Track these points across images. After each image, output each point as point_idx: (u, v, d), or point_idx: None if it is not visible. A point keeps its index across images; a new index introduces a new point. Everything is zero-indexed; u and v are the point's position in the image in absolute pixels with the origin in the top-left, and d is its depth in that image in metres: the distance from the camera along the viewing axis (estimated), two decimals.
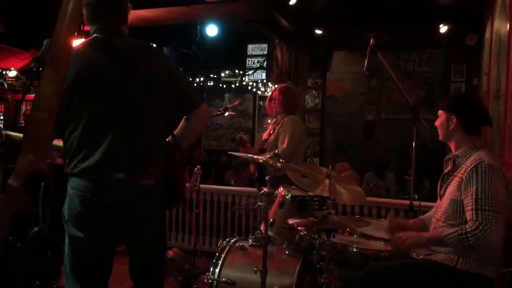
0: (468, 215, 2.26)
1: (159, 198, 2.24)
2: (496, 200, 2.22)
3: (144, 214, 2.19)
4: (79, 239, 2.17)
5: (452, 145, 2.55)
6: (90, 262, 2.21)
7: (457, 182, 2.38)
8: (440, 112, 2.58)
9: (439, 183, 2.60)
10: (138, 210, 2.17)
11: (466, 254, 2.30)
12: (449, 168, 2.53)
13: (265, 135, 4.13)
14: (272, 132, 4.01)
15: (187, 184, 3.91)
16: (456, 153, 2.49)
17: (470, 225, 2.22)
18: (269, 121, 9.31)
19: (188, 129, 2.32)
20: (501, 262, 2.37)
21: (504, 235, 2.25)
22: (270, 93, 4.21)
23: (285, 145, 3.78)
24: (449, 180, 2.49)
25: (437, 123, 2.57)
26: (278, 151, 3.79)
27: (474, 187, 2.26)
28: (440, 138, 2.60)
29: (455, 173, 2.44)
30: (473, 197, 2.25)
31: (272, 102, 4.07)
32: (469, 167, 2.33)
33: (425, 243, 2.43)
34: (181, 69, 2.31)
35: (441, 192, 2.55)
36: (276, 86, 4.31)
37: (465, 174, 2.33)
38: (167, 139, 2.32)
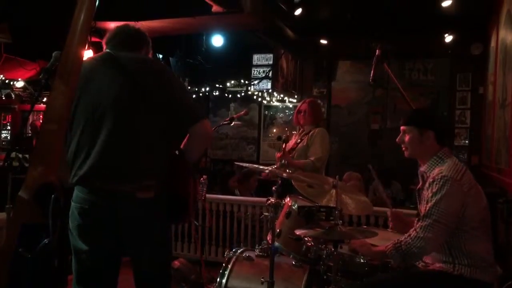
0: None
1: (160, 211, 2.23)
2: (444, 211, 2.30)
3: (144, 227, 2.19)
4: (81, 250, 2.19)
5: (422, 160, 2.58)
6: (94, 273, 2.22)
7: (426, 197, 2.43)
8: (406, 128, 2.57)
9: (417, 200, 2.65)
10: (137, 223, 2.17)
11: (457, 260, 2.35)
12: (420, 184, 2.59)
13: (290, 145, 4.26)
14: (300, 142, 4.21)
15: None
16: (422, 169, 2.55)
17: (408, 233, 2.37)
18: (274, 130, 9.35)
19: (190, 145, 2.31)
20: (495, 268, 2.42)
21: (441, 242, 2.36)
22: (298, 105, 4.43)
23: (320, 154, 4.06)
24: (422, 196, 2.54)
25: (406, 139, 2.56)
26: (312, 159, 3.99)
27: (432, 200, 2.34)
28: (409, 154, 2.60)
29: (424, 189, 2.50)
30: (427, 207, 2.35)
31: (301, 114, 4.29)
32: (430, 182, 2.40)
33: (373, 256, 2.57)
34: (185, 85, 2.32)
35: (421, 208, 2.59)
36: (304, 99, 4.55)
37: (428, 189, 2.41)
38: (172, 152, 2.31)
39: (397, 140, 2.61)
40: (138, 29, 2.44)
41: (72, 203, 2.17)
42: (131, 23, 2.47)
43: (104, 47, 2.38)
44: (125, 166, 2.12)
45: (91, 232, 2.17)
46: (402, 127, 2.60)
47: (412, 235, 2.36)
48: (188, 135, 2.28)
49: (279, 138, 4.06)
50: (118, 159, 2.12)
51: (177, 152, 2.32)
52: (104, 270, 2.24)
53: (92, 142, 2.11)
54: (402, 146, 2.61)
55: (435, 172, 2.41)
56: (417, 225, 2.37)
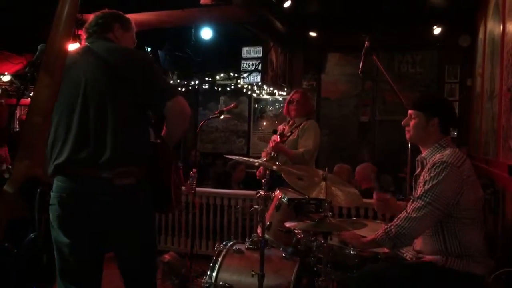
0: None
1: (142, 198, 2.21)
2: (438, 195, 2.31)
3: (125, 215, 2.16)
4: (63, 244, 2.16)
5: (423, 146, 2.58)
6: (77, 267, 2.19)
7: (422, 182, 2.44)
8: (414, 112, 2.56)
9: (413, 185, 2.65)
10: (117, 211, 2.14)
11: (451, 249, 2.36)
12: (419, 169, 2.60)
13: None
14: (290, 135, 4.12)
15: (183, 188, 3.89)
16: (423, 155, 2.55)
17: (397, 216, 2.40)
18: (264, 123, 9.34)
19: (169, 124, 2.30)
20: (488, 259, 2.43)
21: (430, 227, 2.38)
22: (289, 96, 4.34)
23: (311, 147, 3.98)
24: (418, 181, 2.54)
25: (411, 123, 2.56)
26: (302, 151, 3.93)
27: (428, 183, 2.35)
28: (410, 138, 2.59)
29: (422, 174, 2.50)
30: (422, 189, 2.37)
31: (293, 104, 4.20)
32: (430, 166, 2.40)
33: (363, 246, 2.60)
34: (157, 67, 2.34)
35: (414, 193, 2.60)
36: (295, 89, 4.44)
37: (426, 173, 2.41)
38: (151, 140, 2.32)
39: (402, 123, 2.61)
40: (104, 12, 2.43)
41: (52, 194, 2.14)
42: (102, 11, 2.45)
43: (83, 39, 2.39)
44: (103, 152, 2.10)
45: (71, 222, 2.14)
46: (410, 111, 2.59)
47: (402, 217, 2.38)
48: (165, 115, 2.26)
49: (274, 131, 4.05)
50: (95, 146, 2.11)
51: (159, 141, 2.31)
52: (88, 264, 2.21)
53: (68, 131, 2.12)
54: (406, 129, 2.60)
55: (436, 157, 2.42)
56: (409, 207, 2.39)
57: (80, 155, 2.10)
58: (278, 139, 3.94)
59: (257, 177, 4.06)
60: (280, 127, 4.29)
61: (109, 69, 2.17)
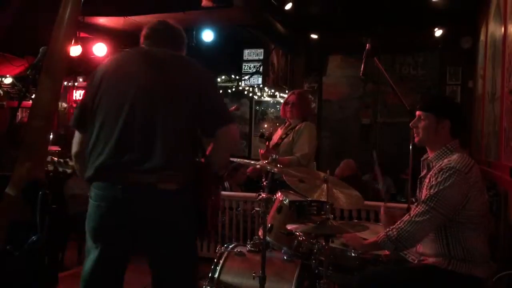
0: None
1: (183, 205, 2.10)
2: (443, 201, 2.29)
3: (165, 223, 2.06)
4: (96, 254, 2.07)
5: (431, 148, 2.53)
6: (105, 276, 2.12)
7: (427, 185, 2.41)
8: (423, 114, 2.50)
9: (418, 187, 2.63)
10: (157, 217, 2.04)
11: (454, 253, 2.35)
12: (424, 172, 2.57)
13: (275, 140, 4.10)
14: (285, 137, 4.03)
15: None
16: (430, 157, 2.51)
17: (401, 220, 2.38)
18: (265, 126, 9.34)
19: (216, 149, 2.20)
20: (490, 262, 2.41)
21: (432, 230, 2.34)
22: (286, 96, 4.25)
23: (307, 150, 3.89)
24: (423, 184, 2.52)
25: (421, 125, 2.50)
26: (298, 155, 3.85)
27: (434, 188, 2.32)
28: (419, 140, 2.53)
29: (428, 176, 2.47)
30: (427, 194, 2.34)
31: (288, 106, 4.11)
32: (437, 171, 2.37)
33: (364, 248, 2.58)
34: (219, 90, 2.26)
35: (419, 195, 2.58)
36: (292, 90, 4.33)
37: (432, 177, 2.38)
38: (197, 156, 2.22)
39: (410, 124, 2.56)
40: (180, 30, 2.38)
41: (91, 201, 2.06)
42: (169, 21, 2.38)
43: (142, 41, 2.30)
44: (148, 158, 2.01)
45: (107, 233, 2.06)
46: (418, 112, 2.53)
47: (405, 220, 2.35)
48: (213, 139, 2.18)
49: (262, 135, 3.94)
50: (140, 151, 2.02)
51: (204, 161, 2.21)
52: (117, 271, 2.15)
53: (111, 134, 2.04)
54: (414, 131, 2.55)
55: (444, 162, 2.38)
56: (413, 211, 2.37)
57: (124, 159, 2.00)
58: (268, 144, 3.84)
59: (248, 174, 3.99)
60: (276, 135, 4.22)
61: (166, 77, 2.11)
